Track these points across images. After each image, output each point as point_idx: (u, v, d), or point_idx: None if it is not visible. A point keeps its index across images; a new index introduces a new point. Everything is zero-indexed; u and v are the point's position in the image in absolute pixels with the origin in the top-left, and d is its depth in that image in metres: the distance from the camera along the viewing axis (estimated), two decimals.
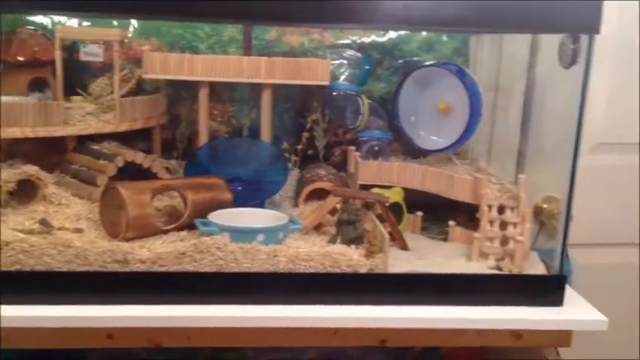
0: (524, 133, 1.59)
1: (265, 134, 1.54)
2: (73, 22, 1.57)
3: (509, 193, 1.31)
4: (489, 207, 1.28)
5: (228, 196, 1.33)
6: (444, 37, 1.69)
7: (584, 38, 1.14)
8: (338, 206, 1.31)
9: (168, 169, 1.46)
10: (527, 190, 1.29)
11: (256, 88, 1.54)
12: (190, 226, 1.25)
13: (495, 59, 1.68)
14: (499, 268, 1.24)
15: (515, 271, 1.22)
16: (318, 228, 1.32)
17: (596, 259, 1.77)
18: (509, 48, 1.67)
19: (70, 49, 1.55)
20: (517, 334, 1.15)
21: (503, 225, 1.28)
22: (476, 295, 1.17)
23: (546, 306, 1.17)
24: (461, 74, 1.48)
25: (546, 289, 1.18)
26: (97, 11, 1.20)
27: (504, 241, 1.27)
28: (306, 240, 1.25)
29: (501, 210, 1.28)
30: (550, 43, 1.46)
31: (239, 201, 1.35)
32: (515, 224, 1.27)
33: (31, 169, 1.30)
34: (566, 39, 1.38)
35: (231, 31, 1.63)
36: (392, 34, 1.68)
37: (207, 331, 1.12)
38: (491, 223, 1.28)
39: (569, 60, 1.36)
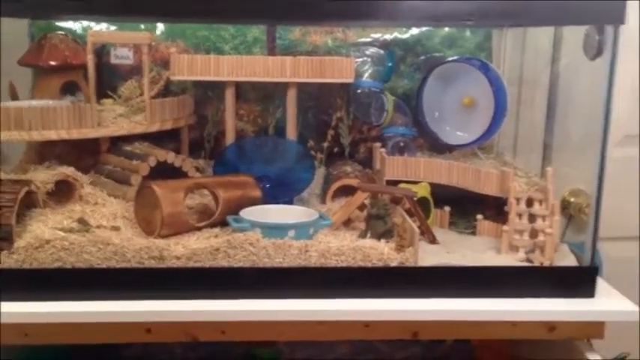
0: (549, 127, 1.59)
1: (291, 133, 1.55)
2: (101, 26, 1.60)
3: (536, 185, 1.31)
4: (517, 200, 1.29)
5: (258, 193, 1.35)
6: (467, 32, 1.69)
7: (609, 29, 1.14)
8: (366, 202, 1.32)
9: (198, 168, 1.49)
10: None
11: (281, 88, 1.56)
12: (222, 223, 1.27)
13: (519, 52, 1.68)
14: (529, 261, 1.24)
15: (546, 264, 1.22)
16: (347, 224, 1.34)
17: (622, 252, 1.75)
18: (532, 41, 1.67)
19: (100, 52, 1.59)
20: (550, 326, 1.15)
21: (532, 218, 1.28)
22: (508, 287, 1.17)
23: (578, 298, 1.17)
24: (485, 69, 1.48)
25: (578, 281, 1.18)
26: (127, 15, 1.24)
27: (533, 233, 1.27)
28: (336, 235, 1.26)
29: (529, 203, 1.29)
30: (574, 34, 1.46)
31: (267, 198, 1.37)
32: (543, 217, 1.27)
33: (68, 170, 1.34)
34: (591, 30, 1.38)
35: (255, 31, 1.65)
36: (414, 31, 1.68)
37: (241, 324, 1.14)
38: (520, 216, 1.28)
39: (594, 51, 1.37)
